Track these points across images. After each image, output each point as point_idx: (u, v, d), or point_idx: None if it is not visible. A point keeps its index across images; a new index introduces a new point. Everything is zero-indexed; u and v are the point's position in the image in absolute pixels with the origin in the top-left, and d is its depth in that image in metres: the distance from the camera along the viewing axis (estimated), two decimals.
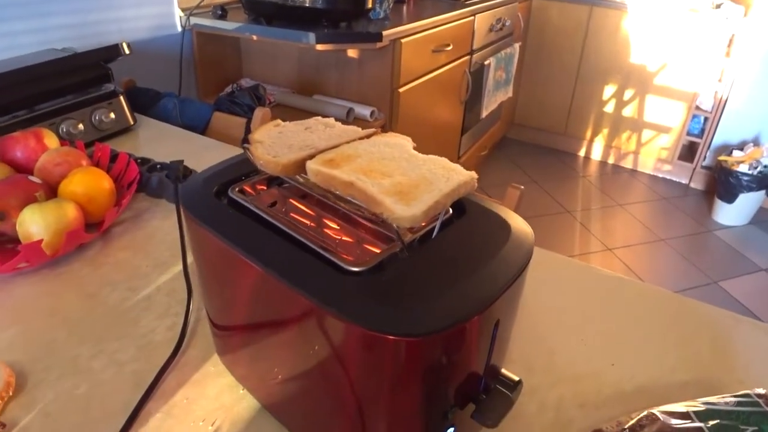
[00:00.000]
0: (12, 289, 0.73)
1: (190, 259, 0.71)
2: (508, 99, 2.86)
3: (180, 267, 0.76)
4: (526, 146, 3.46)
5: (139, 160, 1.00)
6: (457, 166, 0.41)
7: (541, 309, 0.70)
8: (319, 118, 0.52)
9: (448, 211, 0.45)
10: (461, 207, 0.45)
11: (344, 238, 0.46)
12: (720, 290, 2.28)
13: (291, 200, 0.51)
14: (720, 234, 2.65)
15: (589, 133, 3.26)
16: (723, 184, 2.65)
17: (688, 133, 2.95)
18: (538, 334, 0.66)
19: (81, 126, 1.14)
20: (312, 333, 0.39)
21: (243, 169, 0.52)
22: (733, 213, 2.69)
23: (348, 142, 0.45)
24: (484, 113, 2.51)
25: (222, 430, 0.53)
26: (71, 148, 0.93)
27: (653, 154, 3.10)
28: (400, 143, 0.46)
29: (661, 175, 3.13)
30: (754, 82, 2.70)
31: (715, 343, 0.65)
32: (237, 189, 0.49)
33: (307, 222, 0.48)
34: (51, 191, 0.83)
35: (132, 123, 1.24)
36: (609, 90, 3.07)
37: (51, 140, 0.96)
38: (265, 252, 0.41)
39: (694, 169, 3.00)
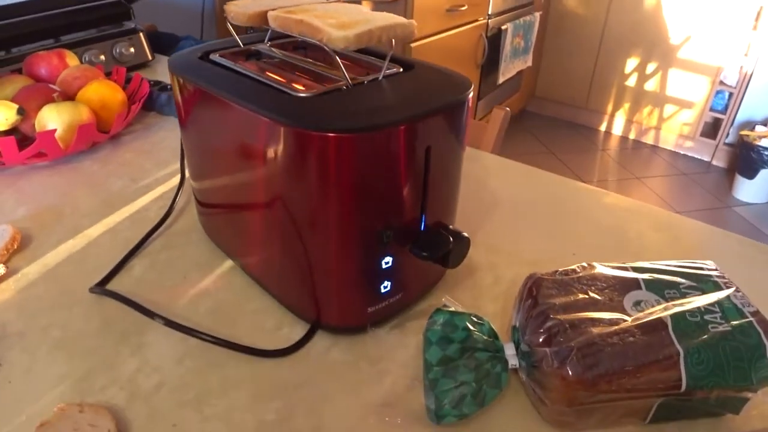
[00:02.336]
0: (29, 177, 0.80)
1: None
2: (528, 69, 2.87)
3: (179, 164, 0.82)
4: (546, 119, 3.45)
5: (152, 82, 1.07)
6: (402, 18, 0.46)
7: (513, 207, 0.74)
8: None
9: (399, 69, 0.49)
10: (411, 66, 0.50)
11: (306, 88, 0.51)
12: None
13: (267, 72, 0.57)
14: (739, 210, 2.63)
15: (610, 107, 3.24)
16: (744, 159, 2.62)
17: (712, 109, 2.91)
18: (506, 225, 0.70)
19: (102, 57, 1.21)
20: (262, 151, 0.44)
21: (226, 47, 0.58)
22: (753, 189, 2.66)
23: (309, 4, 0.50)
24: (501, 79, 2.52)
25: (192, 279, 0.60)
26: (90, 66, 1.00)
27: (675, 129, 3.07)
28: (358, 7, 0.50)
29: (682, 152, 3.10)
30: None
31: (677, 246, 0.68)
32: (218, 54, 0.55)
33: (278, 78, 0.53)
34: (69, 100, 0.90)
35: (150, 58, 1.31)
36: (631, 63, 3.05)
37: (72, 60, 1.03)
38: (234, 89, 0.47)
39: (717, 146, 2.96)
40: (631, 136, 3.25)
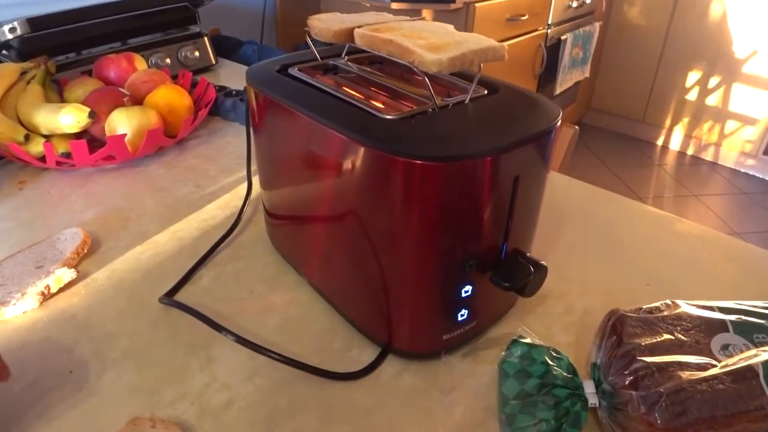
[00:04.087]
0: (98, 180, 0.81)
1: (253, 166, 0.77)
2: (585, 81, 2.80)
3: (243, 172, 0.82)
4: (601, 132, 3.36)
5: (217, 87, 1.08)
6: (492, 40, 0.44)
7: (582, 231, 0.71)
8: (372, 12, 0.56)
9: (483, 91, 0.48)
10: (495, 89, 0.48)
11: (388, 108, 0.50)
12: None
13: (345, 87, 0.56)
14: None
15: (668, 122, 3.13)
16: None
17: None
18: (575, 250, 0.68)
19: (168, 60, 1.23)
20: (345, 172, 0.43)
21: (304, 60, 0.58)
22: None
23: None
24: (558, 90, 2.47)
25: (259, 293, 0.59)
26: (158, 70, 1.02)
27: (736, 146, 2.94)
28: (444, 26, 0.49)
29: (743, 170, 2.97)
30: None
31: (752, 278, 0.64)
32: (296, 68, 0.54)
33: (357, 95, 0.52)
34: (137, 104, 0.92)
35: (214, 62, 1.33)
36: (693, 77, 2.94)
37: (140, 63, 1.05)
38: (317, 107, 0.46)
39: None
40: (690, 151, 3.13)
